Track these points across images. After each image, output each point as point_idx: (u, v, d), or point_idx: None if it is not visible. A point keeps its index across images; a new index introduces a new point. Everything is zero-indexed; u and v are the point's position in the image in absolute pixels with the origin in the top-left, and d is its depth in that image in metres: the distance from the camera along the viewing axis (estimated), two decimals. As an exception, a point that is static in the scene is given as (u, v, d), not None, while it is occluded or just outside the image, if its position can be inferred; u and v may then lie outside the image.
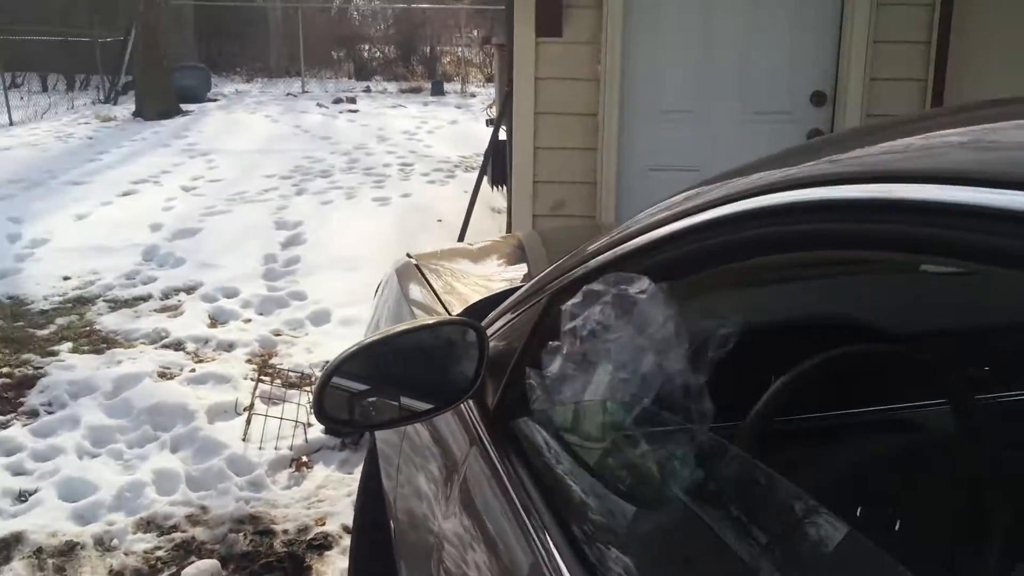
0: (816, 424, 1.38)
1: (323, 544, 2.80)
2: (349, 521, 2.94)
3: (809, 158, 0.93)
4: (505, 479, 1.24)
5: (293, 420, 3.52)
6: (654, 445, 1.13)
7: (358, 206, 7.20)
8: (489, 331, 1.45)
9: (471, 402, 1.41)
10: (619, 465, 1.17)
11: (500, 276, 2.26)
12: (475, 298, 1.91)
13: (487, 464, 1.31)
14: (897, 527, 1.20)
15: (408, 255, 2.64)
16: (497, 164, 4.94)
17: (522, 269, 2.32)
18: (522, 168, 3.97)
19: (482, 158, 5.77)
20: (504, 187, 7.11)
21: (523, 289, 1.40)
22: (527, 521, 1.15)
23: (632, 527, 1.11)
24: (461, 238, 4.78)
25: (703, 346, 1.21)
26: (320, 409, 1.24)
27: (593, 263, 1.22)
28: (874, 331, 1.58)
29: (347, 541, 2.84)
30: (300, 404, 3.64)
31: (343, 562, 2.72)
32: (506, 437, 1.32)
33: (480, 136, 10.70)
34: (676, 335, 1.14)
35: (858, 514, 1.24)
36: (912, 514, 1.20)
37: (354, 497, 3.12)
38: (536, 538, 1.12)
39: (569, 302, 1.24)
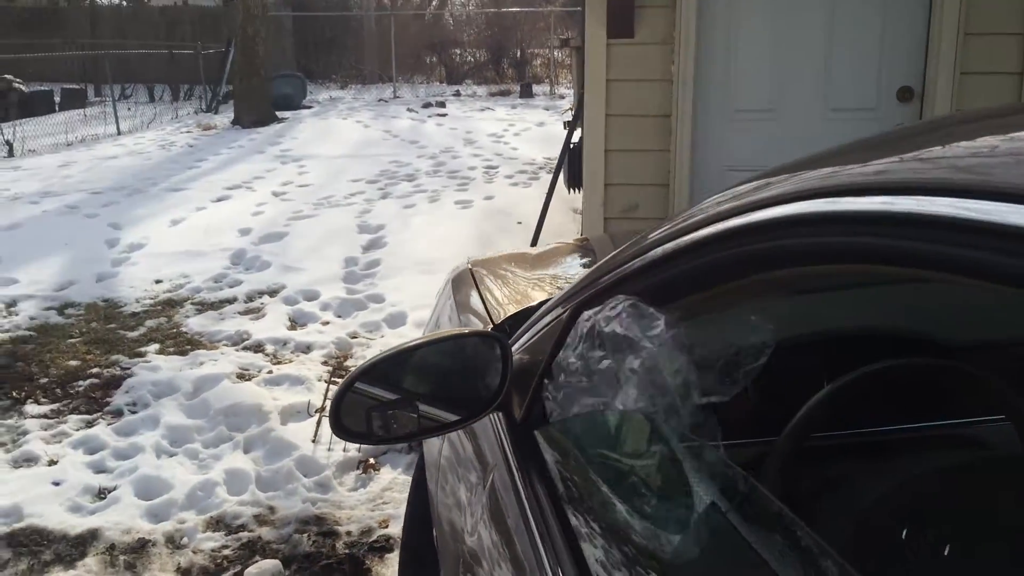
0: (857, 440, 1.30)
1: (384, 547, 2.82)
2: (410, 525, 2.96)
3: (895, 151, 0.82)
4: (523, 493, 1.21)
5: (363, 423, 3.56)
6: (674, 464, 1.08)
7: (440, 209, 7.26)
8: (519, 342, 1.42)
9: (499, 415, 1.39)
10: (636, 482, 1.13)
11: (555, 283, 2.21)
12: (521, 307, 1.88)
13: (509, 477, 1.28)
14: (946, 551, 1.12)
15: (468, 260, 2.63)
16: (573, 166, 4.90)
17: (581, 275, 2.28)
18: (593, 171, 3.92)
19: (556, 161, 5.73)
20: (580, 190, 7.08)
21: (552, 300, 1.36)
22: (539, 543, 1.11)
23: (645, 547, 1.06)
24: (534, 241, 4.75)
25: (736, 359, 1.15)
26: (337, 420, 1.23)
27: (614, 275, 1.18)
28: (923, 342, 1.49)
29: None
30: (370, 407, 3.68)
31: (403, 566, 2.73)
32: (529, 451, 1.29)
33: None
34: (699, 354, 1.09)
35: (903, 537, 1.16)
36: (960, 538, 1.12)
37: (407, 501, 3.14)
38: (546, 560, 1.08)
39: (589, 313, 1.21)
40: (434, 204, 7.44)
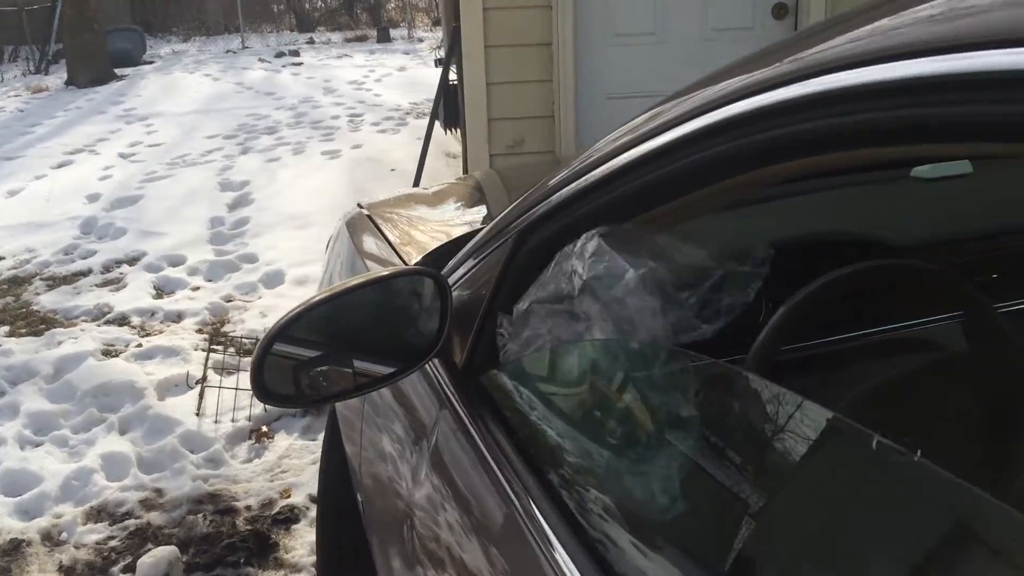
0: (825, 350, 1.22)
1: (289, 518, 2.62)
2: (316, 491, 2.77)
3: (786, 55, 0.75)
4: (478, 439, 1.07)
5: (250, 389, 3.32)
6: (639, 386, 0.97)
7: (307, 161, 6.91)
8: (450, 280, 1.26)
9: (436, 361, 1.23)
10: (602, 410, 1.01)
11: (459, 220, 2.05)
12: (434, 245, 1.71)
13: (458, 425, 1.13)
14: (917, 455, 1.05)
15: (359, 205, 2.43)
16: (449, 106, 4.70)
17: (482, 211, 2.12)
18: (475, 106, 3.74)
19: (432, 102, 5.51)
20: (457, 130, 6.88)
21: (485, 231, 1.21)
22: (499, 474, 1.00)
23: (614, 469, 0.95)
24: (416, 185, 4.55)
25: (692, 278, 1.05)
26: (260, 385, 1.05)
27: (556, 198, 1.04)
28: (873, 245, 1.42)
29: (315, 512, 2.67)
30: (257, 372, 3.43)
31: (312, 535, 2.54)
32: (477, 394, 1.14)
33: (430, 81, 10.35)
34: (661, 274, 0.98)
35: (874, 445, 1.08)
36: (937, 433, 1.06)
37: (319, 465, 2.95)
38: (511, 490, 0.96)
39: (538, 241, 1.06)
40: (300, 156, 7.08)
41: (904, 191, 1.59)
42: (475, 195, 2.39)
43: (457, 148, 6.72)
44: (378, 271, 1.15)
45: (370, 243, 1.92)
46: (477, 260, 1.21)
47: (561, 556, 0.84)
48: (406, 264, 1.66)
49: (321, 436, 3.15)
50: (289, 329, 1.06)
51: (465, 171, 4.15)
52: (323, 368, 1.10)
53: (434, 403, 1.22)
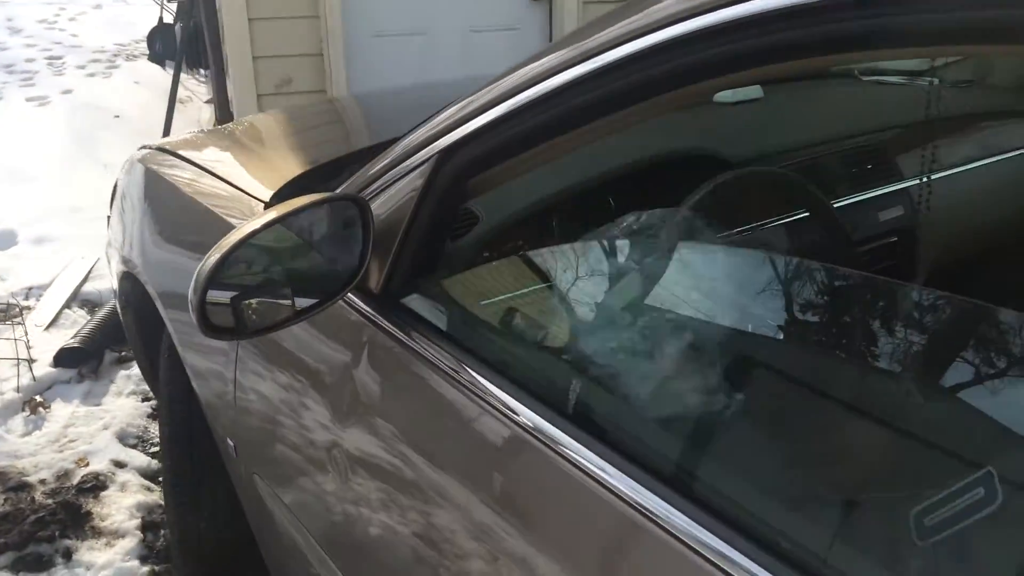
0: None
1: (96, 485, 2.47)
2: (118, 455, 2.63)
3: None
4: (415, 349, 1.12)
5: (12, 359, 3.02)
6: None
7: (11, 109, 6.18)
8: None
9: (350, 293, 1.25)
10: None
11: (289, 155, 2.00)
12: (281, 177, 1.70)
13: (387, 346, 1.17)
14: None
15: (148, 147, 2.29)
16: (168, 45, 4.37)
17: (309, 145, 2.09)
18: (237, 44, 3.56)
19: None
20: (201, 70, 6.46)
21: (395, 151, 1.24)
22: (445, 366, 1.05)
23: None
24: (166, 132, 4.25)
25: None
26: (206, 322, 1.03)
27: (483, 119, 1.10)
28: (708, 158, 1.62)
29: (123, 476, 2.53)
30: (16, 339, 3.12)
31: (126, 499, 2.42)
32: (402, 316, 1.19)
33: (132, 19, 9.56)
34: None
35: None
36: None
37: (113, 429, 2.77)
38: (463, 379, 1.02)
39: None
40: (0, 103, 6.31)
41: (711, 114, 1.81)
42: (284, 131, 2.34)
43: (186, 93, 6.32)
44: (295, 202, 1.14)
45: (196, 183, 1.84)
46: (387, 182, 1.24)
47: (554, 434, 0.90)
48: (258, 198, 1.64)
49: (105, 400, 2.98)
50: (220, 270, 1.05)
51: (223, 113, 3.95)
52: (254, 301, 1.10)
53: (353, 332, 1.25)
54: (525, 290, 1.27)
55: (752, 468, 0.84)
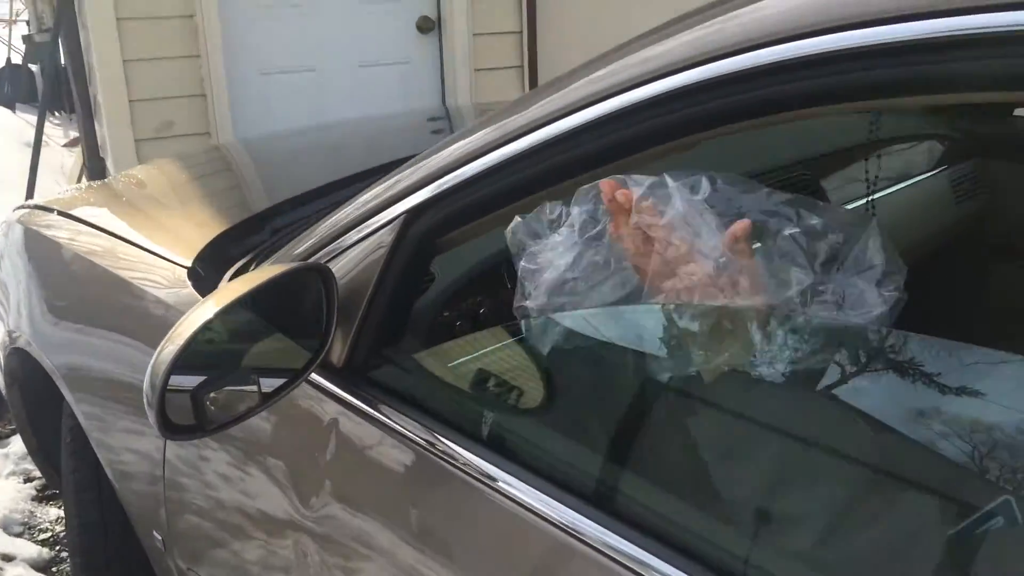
0: None
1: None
2: (4, 547, 2.37)
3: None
4: (390, 424, 1.02)
5: None
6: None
7: None
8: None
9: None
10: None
11: (195, 212, 1.84)
12: (196, 239, 1.55)
13: (356, 423, 1.07)
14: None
15: (26, 207, 2.09)
16: (19, 87, 4.07)
17: (213, 200, 1.93)
18: (111, 87, 3.32)
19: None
20: (56, 113, 6.06)
21: (353, 210, 1.13)
22: (420, 439, 0.98)
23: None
24: (31, 191, 3.90)
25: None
26: (165, 423, 0.89)
27: (453, 177, 1.01)
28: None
29: (13, 571, 2.28)
30: None
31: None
32: (370, 390, 1.09)
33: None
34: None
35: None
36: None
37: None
38: (443, 454, 0.95)
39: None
40: None
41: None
42: (176, 183, 2.18)
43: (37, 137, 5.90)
44: (263, 272, 1.02)
45: (98, 245, 1.66)
46: (342, 245, 1.13)
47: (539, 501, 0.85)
48: (166, 260, 1.49)
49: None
50: (183, 356, 0.92)
51: (93, 160, 3.68)
52: (214, 393, 0.98)
53: (316, 412, 1.13)
54: (492, 348, 1.18)
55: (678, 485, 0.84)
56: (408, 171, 1.08)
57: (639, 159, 0.87)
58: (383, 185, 1.11)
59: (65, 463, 1.76)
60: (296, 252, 1.20)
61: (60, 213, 1.89)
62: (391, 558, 0.99)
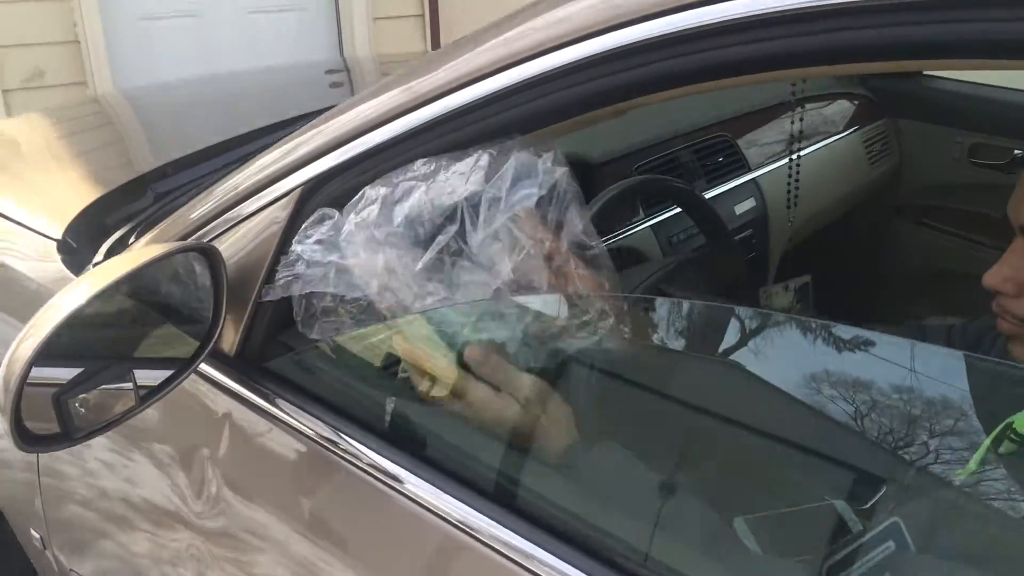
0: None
1: None
2: None
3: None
4: (287, 420, 0.94)
5: None
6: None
7: None
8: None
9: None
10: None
11: (68, 175, 1.67)
12: (67, 207, 1.40)
13: (250, 419, 0.98)
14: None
15: None
16: None
17: (88, 161, 1.76)
18: (-31, 31, 3.02)
19: None
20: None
21: (237, 182, 1.01)
22: (320, 436, 0.91)
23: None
24: None
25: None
26: (22, 432, 0.77)
27: (354, 145, 0.91)
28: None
29: None
30: None
31: None
32: (265, 381, 0.99)
33: None
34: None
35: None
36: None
37: None
38: (345, 451, 0.89)
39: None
40: None
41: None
42: (60, 136, 1.99)
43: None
44: (141, 254, 0.90)
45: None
46: (229, 220, 1.02)
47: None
48: (52, 237, 1.34)
49: None
50: (47, 350, 0.79)
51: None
52: (85, 394, 0.86)
53: (207, 406, 1.03)
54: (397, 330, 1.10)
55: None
56: (304, 137, 0.97)
57: (565, 126, 0.80)
58: (277, 151, 0.99)
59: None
60: (180, 226, 1.08)
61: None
62: (284, 549, 0.92)
